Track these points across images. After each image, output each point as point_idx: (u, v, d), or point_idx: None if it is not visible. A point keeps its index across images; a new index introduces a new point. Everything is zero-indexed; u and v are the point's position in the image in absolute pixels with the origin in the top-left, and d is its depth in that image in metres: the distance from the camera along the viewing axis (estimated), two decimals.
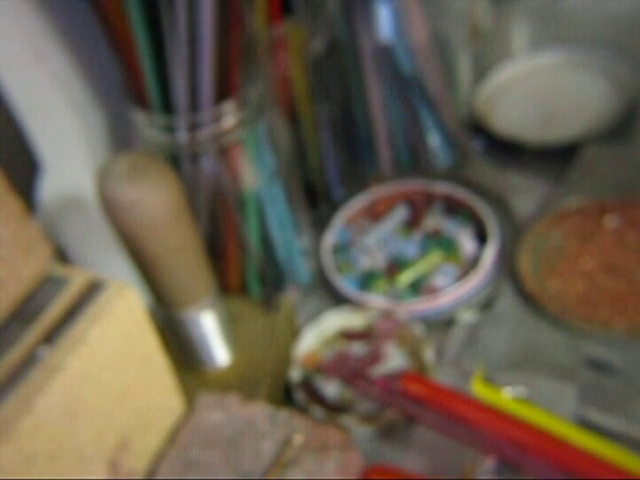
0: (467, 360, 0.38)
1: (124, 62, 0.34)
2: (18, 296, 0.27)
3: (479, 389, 0.33)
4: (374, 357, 0.40)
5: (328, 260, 0.47)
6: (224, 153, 0.39)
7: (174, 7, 0.32)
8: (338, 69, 0.47)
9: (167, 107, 0.36)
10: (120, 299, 0.29)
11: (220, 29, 0.34)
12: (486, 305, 0.42)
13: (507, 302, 0.40)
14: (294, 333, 0.43)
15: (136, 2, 0.32)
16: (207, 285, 0.36)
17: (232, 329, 0.39)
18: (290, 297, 0.45)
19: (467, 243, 0.45)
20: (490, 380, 0.34)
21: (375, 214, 0.50)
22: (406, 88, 0.47)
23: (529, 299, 0.40)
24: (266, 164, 0.41)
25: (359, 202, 0.50)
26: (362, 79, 0.47)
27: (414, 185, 0.49)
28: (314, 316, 0.43)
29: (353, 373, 0.39)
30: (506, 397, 0.32)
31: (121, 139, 0.40)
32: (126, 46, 0.34)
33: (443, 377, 0.37)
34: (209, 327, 0.37)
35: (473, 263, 0.44)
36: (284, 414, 0.33)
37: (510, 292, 0.41)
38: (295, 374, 0.40)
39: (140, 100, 0.36)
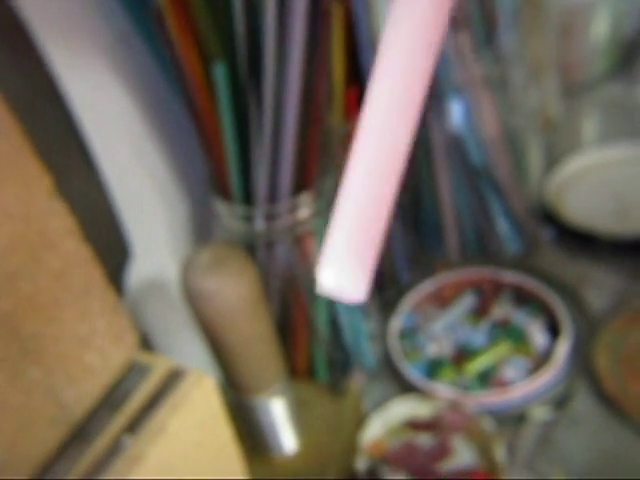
0: (542, 463, 0.36)
1: (212, 157, 0.37)
2: (107, 384, 0.28)
3: None
4: (442, 451, 0.39)
5: (395, 345, 0.47)
6: (298, 241, 0.40)
7: (262, 109, 0.35)
8: (409, 158, 0.49)
9: (247, 198, 0.38)
10: (199, 389, 0.30)
11: (302, 125, 0.36)
12: (560, 403, 0.40)
13: (584, 402, 0.39)
14: (360, 420, 0.42)
15: (228, 104, 0.34)
16: (278, 372, 0.37)
17: (300, 415, 0.39)
18: (357, 382, 0.45)
19: (538, 335, 0.45)
20: None
21: (442, 300, 0.50)
22: (475, 177, 0.48)
23: (609, 401, 0.38)
24: None
25: (426, 287, 0.50)
26: (432, 168, 0.48)
27: (482, 272, 0.49)
28: (380, 402, 0.43)
29: (420, 467, 0.39)
30: None
31: (203, 228, 0.43)
32: (215, 143, 0.36)
33: (515, 479, 0.36)
34: (278, 414, 0.38)
35: (545, 357, 0.43)
36: None
37: (587, 392, 0.40)
38: (361, 463, 0.40)
39: (222, 191, 0.38)
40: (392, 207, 0.16)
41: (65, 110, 0.32)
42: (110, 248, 0.34)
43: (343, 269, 0.15)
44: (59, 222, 0.25)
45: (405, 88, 0.16)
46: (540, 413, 0.40)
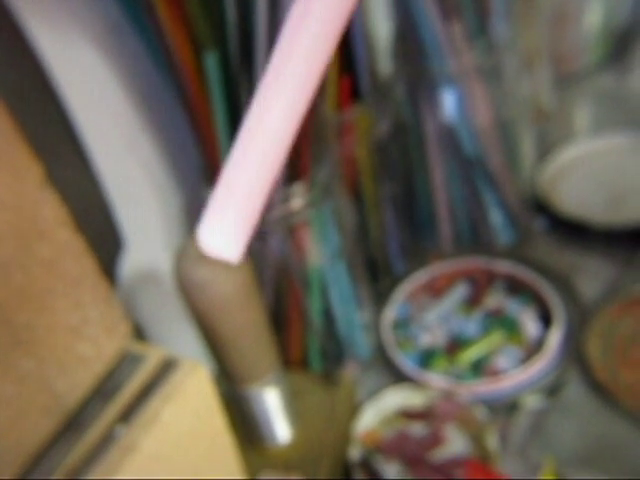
0: (533, 451, 0.37)
1: (204, 147, 0.37)
2: (100, 374, 0.28)
3: None
4: (434, 440, 0.40)
5: (388, 335, 0.47)
6: (291, 232, 0.40)
7: (254, 95, 0.35)
8: (402, 149, 0.49)
9: None
10: (192, 378, 0.30)
11: None
12: (552, 391, 0.41)
13: (575, 390, 0.39)
14: (354, 409, 0.43)
15: (219, 94, 0.34)
16: (272, 362, 0.37)
17: (293, 405, 0.40)
18: (350, 372, 0.45)
19: (530, 324, 0.45)
20: (561, 476, 0.32)
21: (435, 290, 0.50)
22: (468, 167, 0.48)
23: (600, 389, 0.39)
24: (331, 243, 0.42)
25: (419, 278, 0.50)
26: (425, 158, 0.48)
27: (475, 262, 0.49)
28: (373, 392, 0.43)
29: (413, 456, 0.39)
30: None
31: (196, 218, 0.42)
32: (207, 133, 0.36)
33: (507, 467, 0.36)
34: (272, 404, 0.38)
35: (537, 346, 0.43)
36: None
37: (578, 380, 0.40)
38: (355, 452, 0.40)
39: (215, 181, 0.38)
40: (273, 180, 0.18)
41: (56, 100, 0.32)
42: (103, 239, 0.34)
43: (222, 231, 0.17)
44: (50, 212, 0.25)
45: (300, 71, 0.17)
46: (532, 401, 0.41)
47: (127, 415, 0.28)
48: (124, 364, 0.30)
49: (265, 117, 0.17)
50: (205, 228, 0.17)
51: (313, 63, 0.17)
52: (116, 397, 0.28)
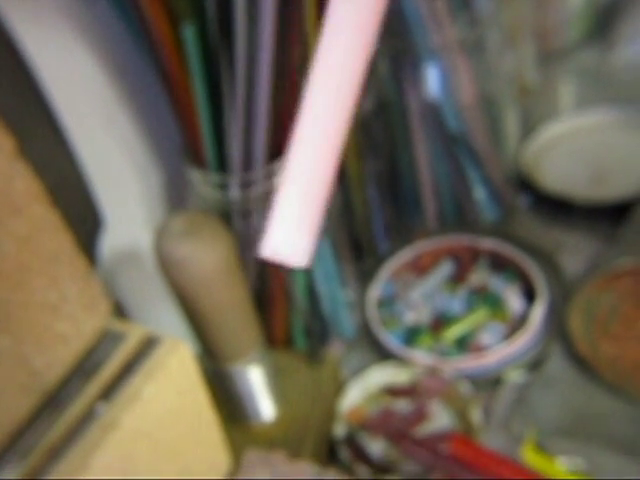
0: (516, 423, 0.37)
1: (184, 124, 0.36)
2: (80, 351, 0.28)
3: (530, 456, 0.32)
4: (419, 416, 0.40)
5: (373, 314, 0.47)
6: None
7: (234, 73, 0.34)
8: (386, 126, 0.48)
9: (222, 166, 0.37)
10: (174, 355, 0.30)
11: (276, 89, 0.35)
12: (535, 366, 0.41)
13: (557, 364, 0.40)
14: (339, 387, 0.43)
15: (199, 68, 0.34)
16: (255, 339, 0.37)
17: (278, 383, 0.39)
18: (335, 351, 0.45)
19: (514, 301, 0.45)
20: (542, 448, 0.33)
21: (420, 268, 0.50)
22: (452, 144, 0.48)
23: (581, 362, 0.39)
24: None
25: (404, 256, 0.50)
26: (409, 135, 0.48)
27: (459, 240, 0.49)
28: (358, 370, 0.43)
29: (398, 432, 0.39)
30: (561, 468, 0.31)
31: (177, 197, 0.42)
32: (187, 109, 0.35)
33: (491, 440, 0.36)
34: (256, 381, 0.38)
35: (520, 321, 0.44)
36: (330, 474, 0.33)
37: (560, 353, 0.40)
38: (340, 430, 0.40)
39: (197, 159, 0.38)
40: (332, 184, 0.17)
41: (30, 75, 0.31)
42: (81, 216, 0.33)
43: (288, 236, 0.16)
44: (23, 185, 0.24)
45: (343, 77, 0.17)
46: (515, 376, 0.41)
47: (108, 393, 0.27)
48: (105, 342, 0.29)
49: (318, 117, 0.16)
50: (272, 237, 0.16)
51: (355, 58, 0.16)
52: (97, 375, 0.28)
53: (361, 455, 0.39)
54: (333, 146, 0.17)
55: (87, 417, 0.26)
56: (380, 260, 0.50)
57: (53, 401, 0.27)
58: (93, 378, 0.28)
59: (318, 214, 0.16)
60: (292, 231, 0.16)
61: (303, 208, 0.16)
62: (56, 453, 0.25)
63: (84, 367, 0.28)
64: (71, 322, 0.27)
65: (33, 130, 0.30)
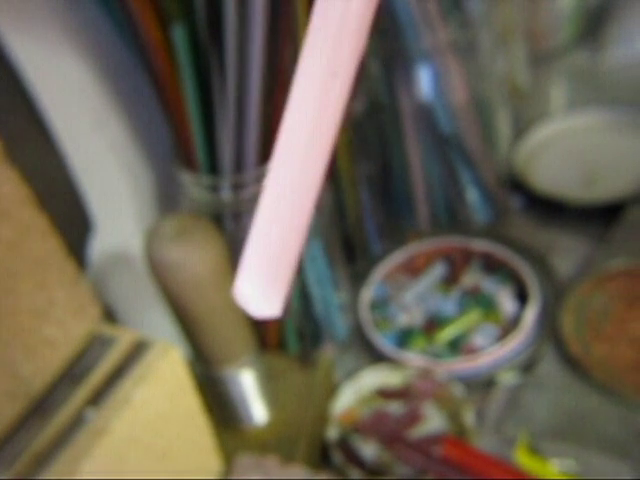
0: (509, 425, 0.37)
1: (175, 126, 0.36)
2: (68, 356, 0.28)
3: (523, 459, 0.32)
4: (412, 418, 0.40)
5: (366, 316, 0.47)
6: None
7: (224, 74, 0.34)
8: (378, 128, 0.48)
9: (213, 168, 0.37)
10: (164, 360, 0.29)
11: (267, 91, 0.35)
12: (527, 367, 0.41)
13: (550, 365, 0.40)
14: (331, 390, 0.42)
15: (189, 69, 0.33)
16: (247, 343, 0.37)
17: (270, 386, 0.39)
18: (327, 353, 0.45)
19: (507, 302, 0.45)
20: (535, 449, 0.33)
21: (413, 270, 0.50)
22: (445, 146, 0.48)
23: (573, 363, 0.39)
24: None
25: (397, 258, 0.50)
26: (401, 137, 0.48)
27: (452, 241, 0.49)
28: (351, 373, 0.43)
29: (391, 434, 0.39)
30: (554, 470, 0.31)
31: (168, 199, 0.42)
32: (178, 111, 0.35)
33: (484, 442, 0.36)
34: (248, 385, 0.37)
35: (513, 323, 0.44)
36: (322, 478, 0.33)
37: (553, 355, 0.40)
38: (332, 433, 0.40)
39: (188, 162, 0.37)
40: (306, 232, 0.16)
41: (15, 76, 0.31)
42: (71, 220, 0.33)
43: (258, 286, 0.15)
44: (10, 189, 0.24)
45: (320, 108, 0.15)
46: (508, 378, 0.41)
47: (97, 398, 0.27)
48: (94, 346, 0.29)
49: (291, 162, 0.15)
50: (241, 287, 0.15)
51: (339, 85, 0.15)
52: (86, 380, 0.28)
53: (354, 458, 0.38)
54: (309, 184, 0.16)
55: (76, 423, 0.26)
56: (373, 262, 0.50)
57: (41, 407, 0.26)
58: (82, 383, 0.27)
59: (293, 260, 0.15)
60: (262, 284, 0.15)
61: (274, 259, 0.15)
62: (44, 460, 0.25)
63: (73, 372, 0.28)
64: (59, 327, 0.27)
65: (21, 133, 0.30)
